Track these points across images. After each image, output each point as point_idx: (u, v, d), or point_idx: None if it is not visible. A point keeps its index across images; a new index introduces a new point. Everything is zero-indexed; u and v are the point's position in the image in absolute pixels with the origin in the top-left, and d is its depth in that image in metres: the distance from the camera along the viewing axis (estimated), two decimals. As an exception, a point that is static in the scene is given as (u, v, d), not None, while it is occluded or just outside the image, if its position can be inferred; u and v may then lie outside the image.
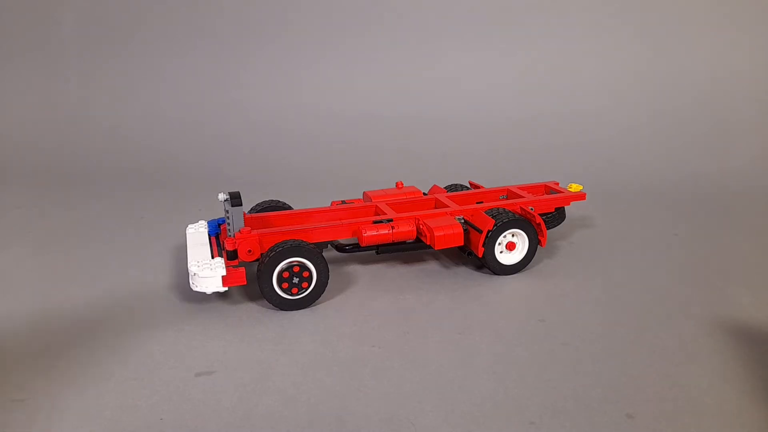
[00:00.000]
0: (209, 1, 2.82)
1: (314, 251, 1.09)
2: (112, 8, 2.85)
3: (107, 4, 2.85)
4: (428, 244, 1.19)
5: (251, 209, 1.36)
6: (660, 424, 0.76)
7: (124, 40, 2.87)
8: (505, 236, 1.23)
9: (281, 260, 1.06)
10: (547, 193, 1.45)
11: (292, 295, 1.09)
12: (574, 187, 1.42)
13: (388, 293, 1.17)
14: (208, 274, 1.04)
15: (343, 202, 1.37)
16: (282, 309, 1.10)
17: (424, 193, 1.44)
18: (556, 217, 1.40)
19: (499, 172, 2.19)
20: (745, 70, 2.53)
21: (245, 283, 1.07)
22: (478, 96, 2.68)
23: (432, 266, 1.31)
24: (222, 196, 1.17)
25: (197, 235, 1.24)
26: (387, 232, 1.18)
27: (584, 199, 1.41)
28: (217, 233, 1.25)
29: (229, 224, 1.16)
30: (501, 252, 1.24)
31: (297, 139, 2.60)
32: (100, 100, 2.84)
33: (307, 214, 1.30)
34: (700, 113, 2.50)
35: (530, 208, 1.29)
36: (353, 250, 1.24)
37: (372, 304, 1.13)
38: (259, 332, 1.02)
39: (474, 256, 1.23)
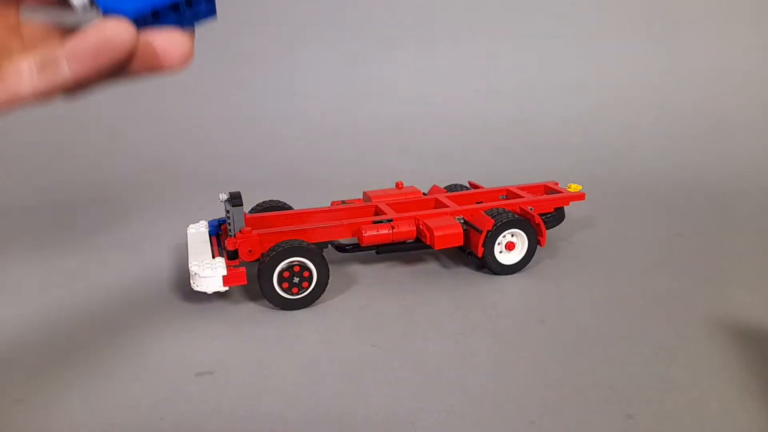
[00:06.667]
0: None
1: (314, 251, 1.09)
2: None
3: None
4: (428, 244, 1.19)
5: (252, 209, 1.36)
6: (660, 424, 0.76)
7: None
8: (504, 236, 1.23)
9: (282, 260, 1.07)
10: (546, 193, 1.45)
11: (292, 294, 1.09)
12: (574, 187, 1.42)
13: (388, 293, 1.18)
14: (209, 273, 1.04)
15: (343, 202, 1.37)
16: (282, 309, 1.10)
17: (424, 193, 1.44)
18: (556, 217, 1.40)
19: (498, 172, 2.19)
20: (746, 70, 2.53)
21: (246, 282, 1.07)
22: (478, 96, 2.68)
23: (432, 266, 1.31)
24: (223, 196, 1.17)
25: (198, 235, 1.24)
26: (387, 232, 1.18)
27: (584, 199, 1.41)
28: (217, 233, 1.25)
29: (229, 224, 1.16)
30: (501, 252, 1.24)
31: (297, 139, 2.60)
32: (100, 100, 2.84)
33: (308, 214, 1.30)
34: (700, 113, 2.50)
35: (530, 208, 1.29)
36: (353, 250, 1.24)
37: (372, 304, 1.13)
38: (260, 332, 1.02)
39: (474, 256, 1.23)
